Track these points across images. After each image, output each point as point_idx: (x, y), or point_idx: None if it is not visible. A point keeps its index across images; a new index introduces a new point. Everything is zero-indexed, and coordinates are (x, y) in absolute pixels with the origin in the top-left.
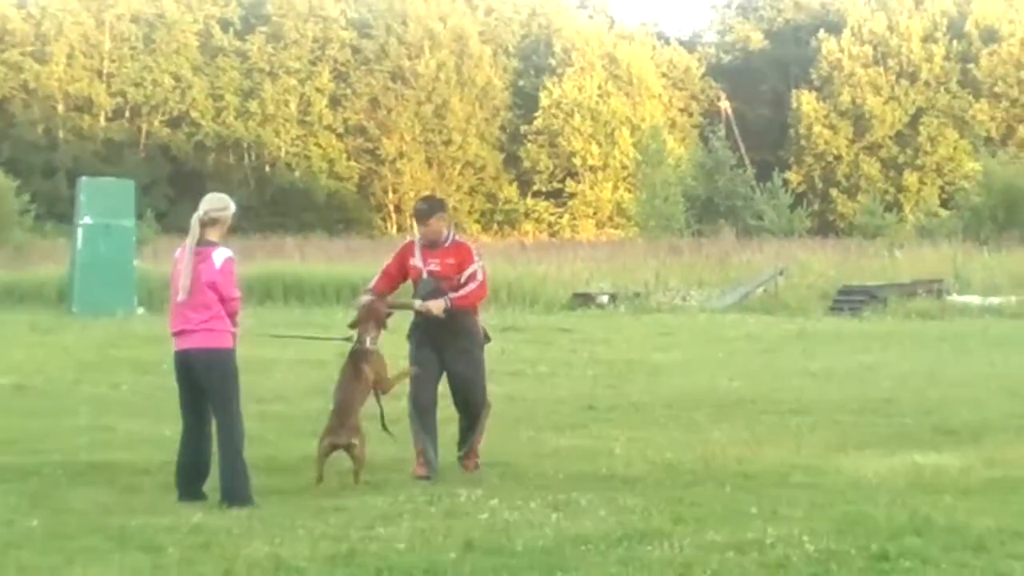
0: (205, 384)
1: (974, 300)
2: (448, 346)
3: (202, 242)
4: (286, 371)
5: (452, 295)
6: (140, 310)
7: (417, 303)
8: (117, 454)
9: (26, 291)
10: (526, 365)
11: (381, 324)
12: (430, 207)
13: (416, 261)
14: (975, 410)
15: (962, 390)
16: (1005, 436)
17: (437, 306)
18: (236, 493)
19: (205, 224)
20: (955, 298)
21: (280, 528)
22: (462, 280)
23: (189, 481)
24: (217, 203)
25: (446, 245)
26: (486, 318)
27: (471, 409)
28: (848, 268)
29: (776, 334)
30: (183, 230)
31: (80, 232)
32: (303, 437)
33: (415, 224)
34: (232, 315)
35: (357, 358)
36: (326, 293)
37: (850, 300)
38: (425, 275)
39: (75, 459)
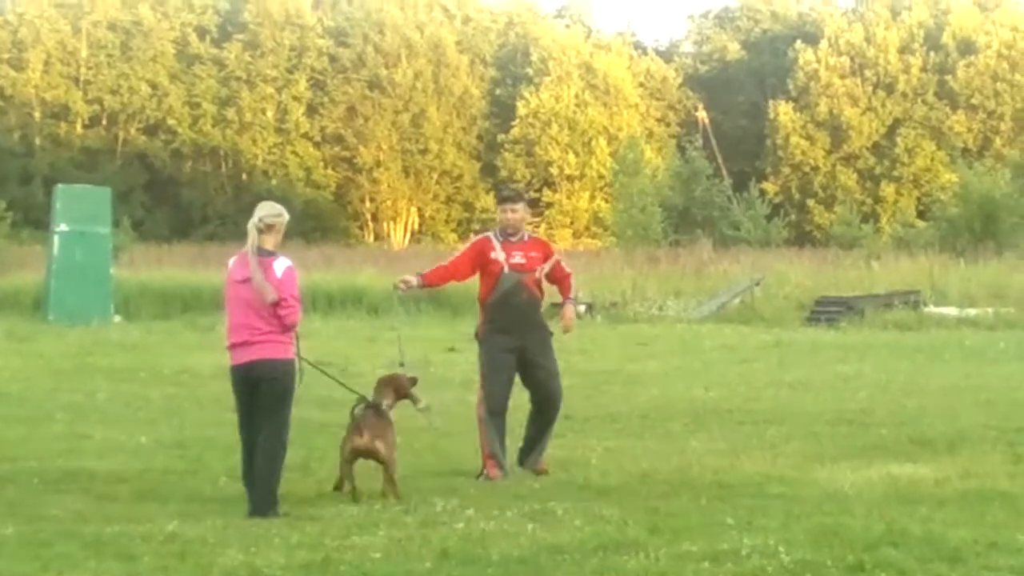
0: (263, 394)
1: (950, 311)
2: (529, 340)
3: (261, 251)
4: None
5: (571, 297)
6: (116, 318)
7: (564, 324)
8: (93, 462)
9: (2, 298)
10: None
11: (401, 394)
12: (518, 192)
13: (497, 255)
14: (951, 421)
15: (938, 401)
16: (981, 447)
17: (571, 317)
18: (267, 505)
19: (261, 231)
20: (932, 309)
21: (255, 537)
22: (544, 272)
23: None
24: (271, 210)
25: (526, 239)
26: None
27: (552, 403)
28: (825, 279)
29: (753, 344)
30: (160, 237)
31: (56, 239)
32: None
33: (499, 209)
34: (292, 326)
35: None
36: (302, 301)
37: (827, 311)
38: (507, 269)
39: (51, 467)
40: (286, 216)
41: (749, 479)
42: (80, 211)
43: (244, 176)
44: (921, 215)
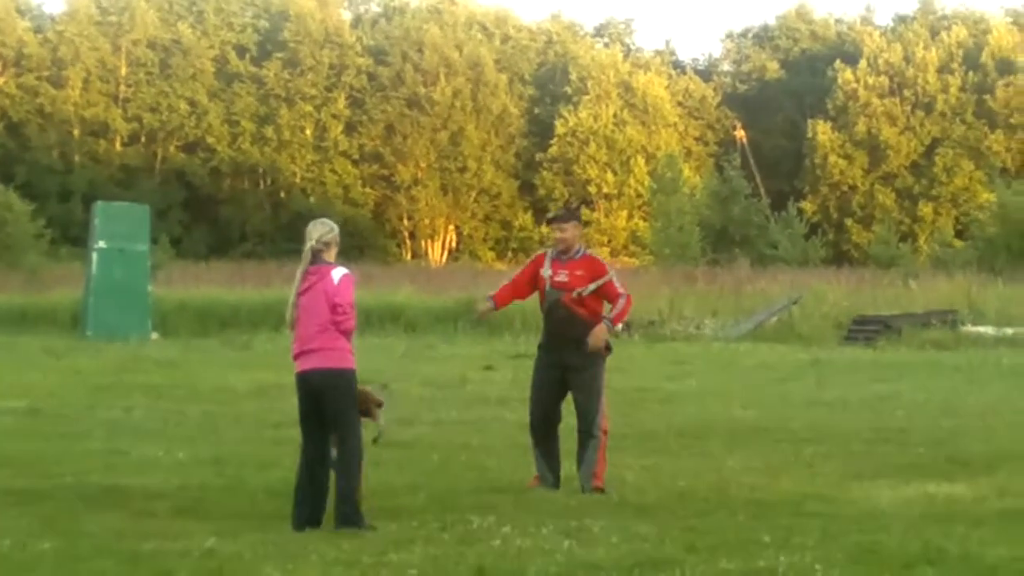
0: (326, 406)
1: (988, 331)
2: (569, 357)
3: (319, 262)
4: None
5: (610, 316)
6: (154, 335)
7: (591, 341)
8: (130, 478)
9: (40, 315)
10: None
11: (361, 410)
12: (568, 212)
13: (545, 271)
14: (988, 440)
15: (976, 420)
16: (1019, 466)
17: (598, 337)
18: (352, 518)
19: (319, 251)
20: (969, 328)
21: (292, 554)
22: (585, 292)
23: (310, 509)
24: (324, 227)
25: (576, 257)
26: (501, 347)
27: (583, 420)
28: (862, 298)
29: (790, 363)
30: (198, 255)
31: (95, 256)
32: None
33: (551, 229)
34: (347, 333)
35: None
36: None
37: (864, 330)
38: (548, 287)
39: (88, 483)
40: (336, 229)
41: (786, 497)
42: (119, 228)
43: (282, 194)
44: (959, 235)
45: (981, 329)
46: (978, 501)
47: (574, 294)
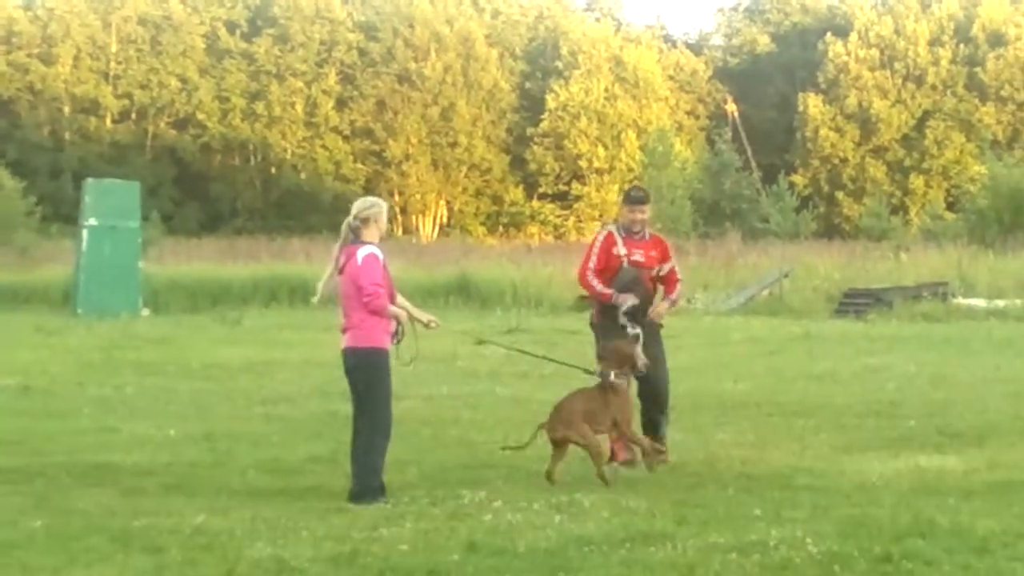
0: (356, 381)
1: (979, 303)
2: (643, 333)
3: (353, 242)
4: (291, 372)
5: (672, 297)
6: (145, 311)
7: (653, 313)
8: (121, 455)
9: (31, 292)
10: (532, 367)
11: (626, 365)
12: (646, 194)
13: (619, 250)
14: (979, 413)
15: (966, 393)
16: (1009, 439)
17: (663, 311)
18: (365, 493)
19: (356, 228)
20: (960, 301)
21: (283, 529)
22: (661, 272)
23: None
24: (363, 203)
25: (647, 238)
26: (492, 321)
27: (659, 389)
28: (853, 271)
29: (781, 336)
30: (188, 232)
31: (85, 234)
32: (307, 439)
33: (626, 209)
34: (376, 312)
35: (605, 387)
36: (331, 295)
37: (855, 303)
38: (626, 264)
39: (79, 460)
40: (381, 206)
41: (777, 471)
42: (109, 205)
43: (273, 170)
44: (950, 207)
45: (972, 301)
46: (968, 473)
47: (653, 272)
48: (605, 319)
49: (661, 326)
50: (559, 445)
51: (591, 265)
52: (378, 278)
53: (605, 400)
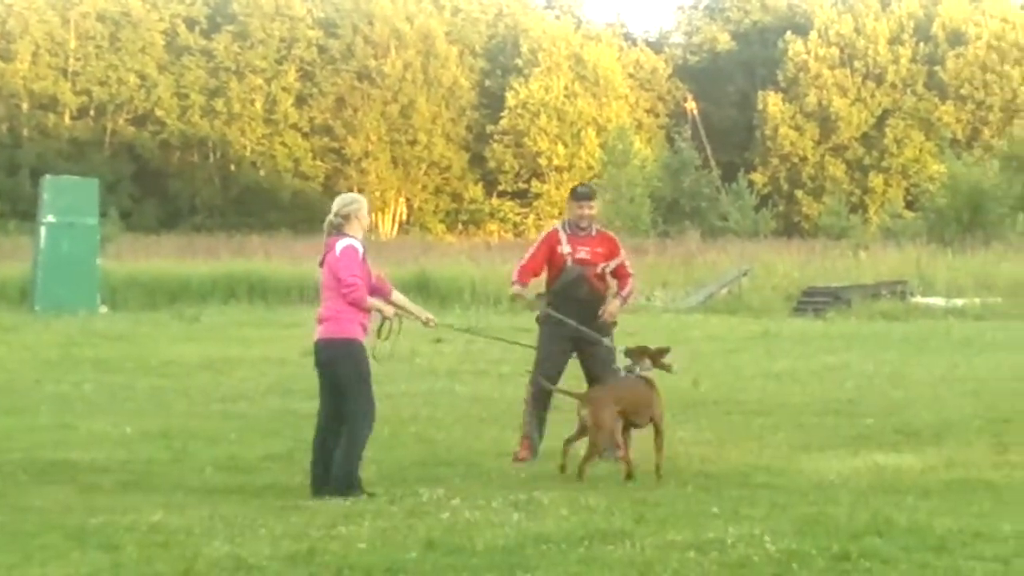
0: (332, 372)
1: (938, 302)
2: (587, 328)
3: (336, 234)
4: (249, 370)
5: (623, 294)
6: (103, 308)
7: (605, 313)
8: (78, 452)
9: None
10: (490, 365)
11: (654, 358)
12: (591, 190)
13: (563, 248)
14: (937, 411)
15: (925, 391)
16: (967, 437)
17: (615, 310)
18: (348, 485)
19: (338, 224)
20: (919, 299)
21: (240, 527)
22: (608, 269)
23: (322, 474)
24: (344, 200)
25: (593, 234)
26: (451, 319)
27: None
28: (812, 269)
29: (740, 335)
30: (147, 228)
31: (43, 230)
32: (265, 437)
33: (573, 205)
34: (354, 304)
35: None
36: (290, 292)
37: (814, 301)
38: (570, 262)
39: (36, 457)
40: (360, 202)
41: (735, 469)
42: (68, 202)
43: (232, 167)
44: (909, 205)
45: (931, 300)
46: (926, 472)
47: (598, 269)
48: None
49: (615, 324)
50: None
51: (523, 263)
52: (356, 270)
53: (650, 395)
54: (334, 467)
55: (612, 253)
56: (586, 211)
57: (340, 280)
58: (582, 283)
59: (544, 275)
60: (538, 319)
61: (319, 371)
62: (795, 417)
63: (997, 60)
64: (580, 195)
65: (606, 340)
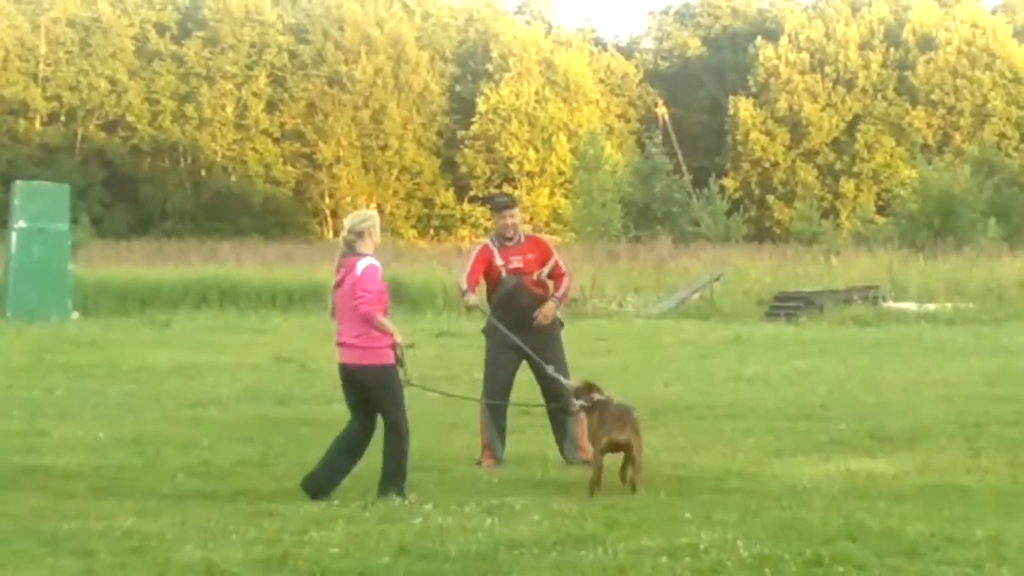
0: (366, 396)
1: (910, 307)
2: (531, 337)
3: (352, 254)
4: (221, 376)
5: (558, 295)
6: (75, 314)
7: (540, 315)
8: (50, 458)
9: None
10: (462, 370)
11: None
12: (511, 198)
13: (497, 260)
14: (910, 416)
15: (897, 396)
16: (939, 442)
17: (550, 313)
18: (394, 481)
19: (351, 242)
20: (891, 304)
21: (213, 533)
22: (544, 274)
23: (324, 481)
24: (356, 218)
25: (521, 241)
26: (423, 324)
27: (559, 399)
28: (784, 274)
29: (712, 340)
30: (118, 234)
31: (14, 236)
32: (237, 442)
33: (495, 216)
34: (364, 316)
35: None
36: (261, 297)
37: (786, 306)
38: (504, 274)
39: (8, 463)
40: (374, 218)
41: (708, 474)
42: (38, 208)
43: (203, 172)
44: (881, 211)
45: (902, 305)
46: (899, 477)
47: (535, 276)
48: (494, 330)
49: (561, 325)
50: (617, 449)
51: (466, 272)
52: (373, 287)
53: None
54: (383, 478)
55: (544, 257)
56: (508, 220)
57: (353, 293)
58: (521, 291)
59: (487, 288)
60: (484, 330)
61: (347, 390)
62: (767, 422)
63: (967, 65)
64: (500, 204)
65: (550, 369)
